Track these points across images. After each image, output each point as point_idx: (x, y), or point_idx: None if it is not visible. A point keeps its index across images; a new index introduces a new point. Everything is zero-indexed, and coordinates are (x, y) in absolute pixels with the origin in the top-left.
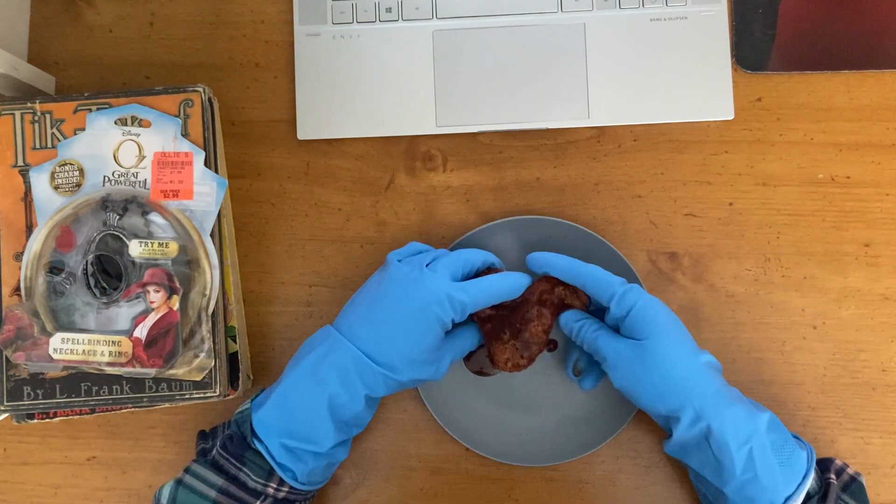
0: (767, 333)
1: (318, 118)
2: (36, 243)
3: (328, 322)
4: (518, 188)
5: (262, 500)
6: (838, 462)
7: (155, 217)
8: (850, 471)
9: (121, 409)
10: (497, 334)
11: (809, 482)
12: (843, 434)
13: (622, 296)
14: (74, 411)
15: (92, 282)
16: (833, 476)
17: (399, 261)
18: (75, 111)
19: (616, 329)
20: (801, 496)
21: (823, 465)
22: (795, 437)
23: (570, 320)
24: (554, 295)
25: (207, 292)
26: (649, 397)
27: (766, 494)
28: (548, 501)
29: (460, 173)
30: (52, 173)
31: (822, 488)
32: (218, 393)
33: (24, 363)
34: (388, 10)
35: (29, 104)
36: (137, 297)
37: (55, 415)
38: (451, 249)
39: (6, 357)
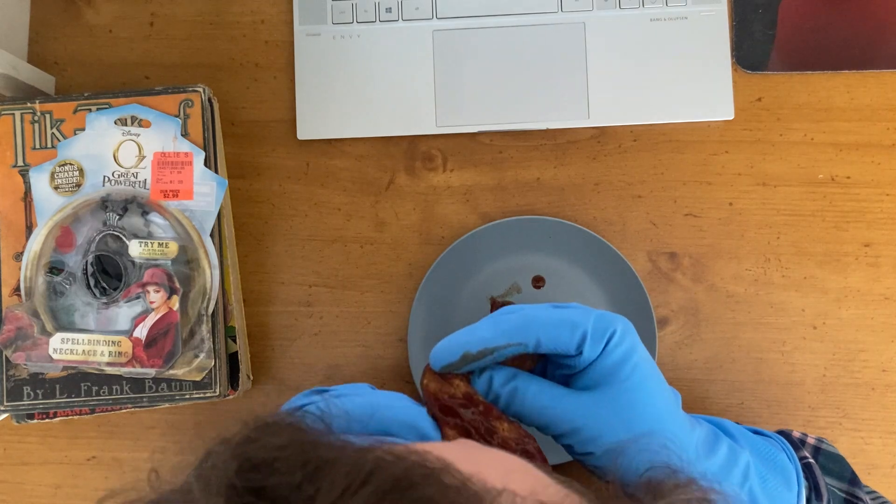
0: (767, 333)
1: (318, 118)
2: (36, 243)
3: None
4: (518, 188)
5: None
6: (795, 433)
7: (155, 217)
8: (811, 440)
9: (121, 409)
10: None
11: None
12: (843, 434)
13: (595, 329)
14: (74, 411)
15: (92, 282)
16: (807, 455)
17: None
18: (75, 111)
19: (560, 380)
20: None
21: (790, 440)
22: (759, 432)
23: (497, 387)
24: (449, 390)
25: (207, 292)
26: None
27: None
28: None
29: (460, 173)
30: (52, 173)
31: (812, 482)
32: (218, 393)
33: (24, 363)
34: (388, 10)
35: (29, 104)
36: (137, 298)
37: (55, 415)
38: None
39: (6, 357)
